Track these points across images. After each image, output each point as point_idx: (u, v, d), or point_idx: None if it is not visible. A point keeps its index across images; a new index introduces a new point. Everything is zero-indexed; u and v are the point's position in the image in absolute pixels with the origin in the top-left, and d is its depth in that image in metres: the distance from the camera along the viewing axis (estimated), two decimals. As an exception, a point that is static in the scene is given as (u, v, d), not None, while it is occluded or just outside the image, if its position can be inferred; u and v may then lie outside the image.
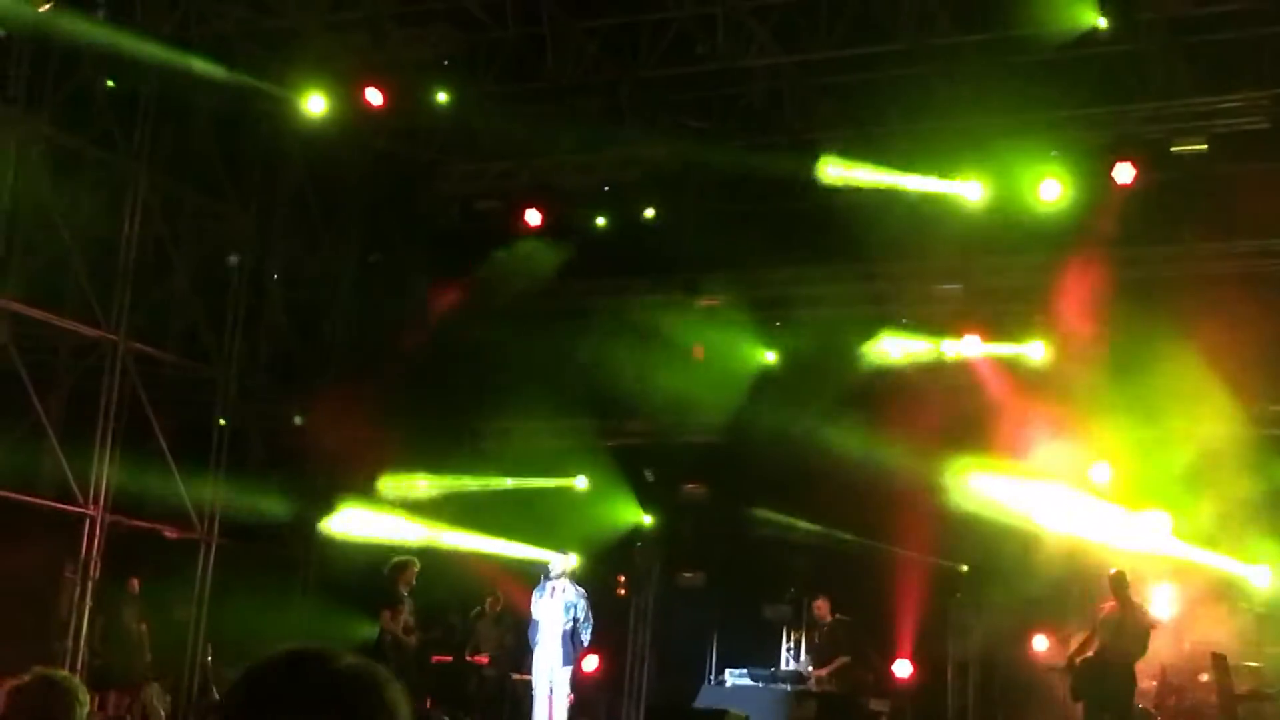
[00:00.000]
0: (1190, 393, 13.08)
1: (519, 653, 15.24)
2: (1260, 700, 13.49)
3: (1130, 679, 12.92)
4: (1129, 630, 12.96)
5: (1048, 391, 14.34)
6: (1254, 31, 12.90)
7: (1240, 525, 13.93)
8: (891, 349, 15.60)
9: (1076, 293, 14.15)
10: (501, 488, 17.03)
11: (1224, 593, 14.31)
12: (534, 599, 14.61)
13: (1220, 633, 13.92)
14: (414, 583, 13.53)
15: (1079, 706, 13.13)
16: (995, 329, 15.17)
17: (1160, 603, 13.70)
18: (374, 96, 15.06)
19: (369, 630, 13.49)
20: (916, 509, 14.66)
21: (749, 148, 14.97)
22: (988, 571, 14.83)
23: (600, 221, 16.63)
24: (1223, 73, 13.12)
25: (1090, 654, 13.10)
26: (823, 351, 15.65)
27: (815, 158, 14.57)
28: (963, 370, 15.28)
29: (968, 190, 14.62)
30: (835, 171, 14.55)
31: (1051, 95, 13.73)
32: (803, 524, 15.95)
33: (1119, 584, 13.18)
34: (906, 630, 15.58)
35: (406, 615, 13.47)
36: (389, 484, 16.72)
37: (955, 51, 13.81)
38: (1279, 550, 14.07)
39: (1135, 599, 13.21)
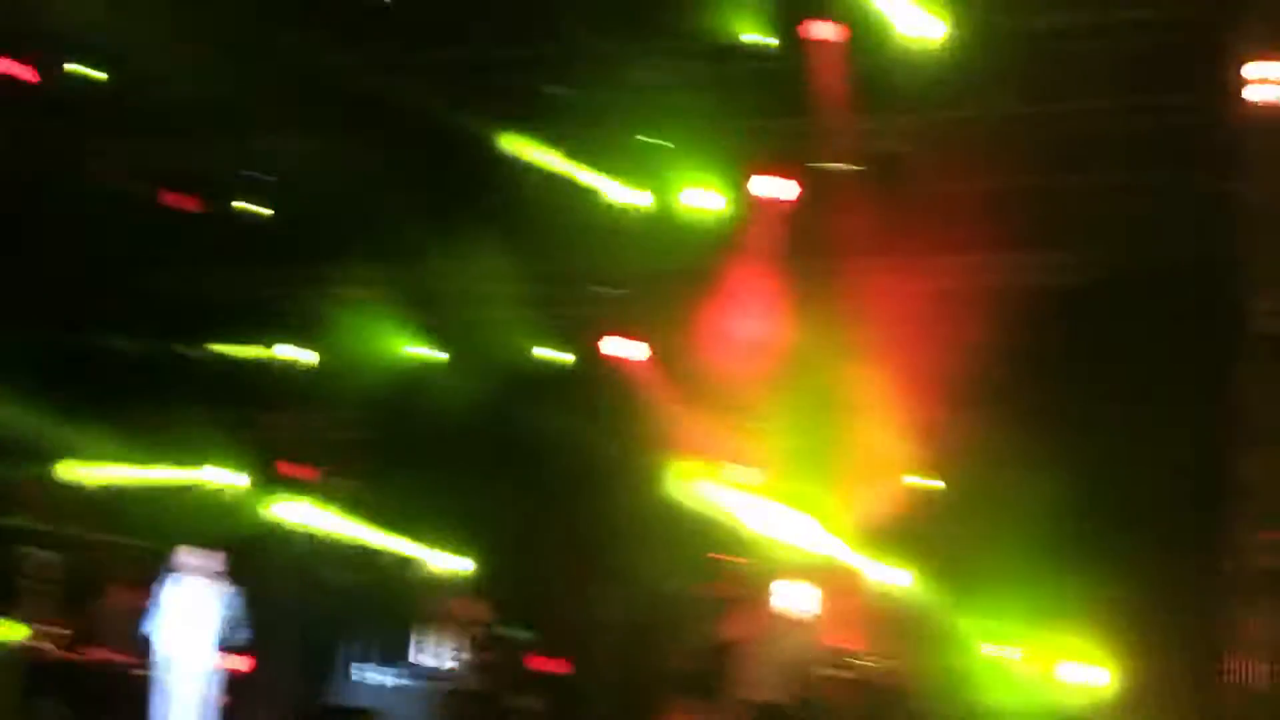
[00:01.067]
0: (852, 403, 13.78)
1: (143, 650, 14.78)
2: (893, 697, 14.24)
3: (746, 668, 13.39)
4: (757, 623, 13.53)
5: (709, 395, 14.83)
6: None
7: (889, 529, 14.71)
8: (550, 349, 15.91)
9: (736, 303, 14.66)
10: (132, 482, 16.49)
11: (866, 592, 15.04)
12: (159, 593, 14.16)
13: (860, 631, 14.64)
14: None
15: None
16: (657, 334, 15.54)
17: (806, 600, 14.20)
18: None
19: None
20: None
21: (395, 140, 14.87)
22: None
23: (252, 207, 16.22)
24: (875, 94, 13.74)
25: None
26: (476, 349, 15.76)
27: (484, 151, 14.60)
28: (621, 371, 15.67)
29: (634, 196, 14.95)
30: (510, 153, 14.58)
31: (714, 107, 14.08)
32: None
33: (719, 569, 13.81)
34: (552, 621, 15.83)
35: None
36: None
37: (619, 58, 14.06)
38: (920, 556, 14.89)
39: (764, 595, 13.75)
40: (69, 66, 14.60)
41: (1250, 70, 9.54)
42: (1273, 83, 9.43)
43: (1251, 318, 9.37)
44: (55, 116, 15.50)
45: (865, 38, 13.21)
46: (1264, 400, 9.37)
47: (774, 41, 13.49)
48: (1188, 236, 12.40)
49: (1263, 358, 9.39)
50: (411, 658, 16.04)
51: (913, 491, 15.11)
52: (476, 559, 16.27)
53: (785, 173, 14.48)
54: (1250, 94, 9.51)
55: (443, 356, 16.46)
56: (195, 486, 16.39)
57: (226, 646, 14.21)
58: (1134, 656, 13.36)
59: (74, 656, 14.47)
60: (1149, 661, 13.15)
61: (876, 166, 14.06)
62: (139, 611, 14.45)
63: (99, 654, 14.74)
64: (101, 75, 14.70)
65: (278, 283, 16.14)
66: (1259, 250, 9.52)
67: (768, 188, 14.59)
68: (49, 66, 14.49)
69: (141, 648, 14.63)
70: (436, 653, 15.77)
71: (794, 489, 14.82)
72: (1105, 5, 12.70)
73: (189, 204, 15.96)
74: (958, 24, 12.95)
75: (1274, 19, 9.44)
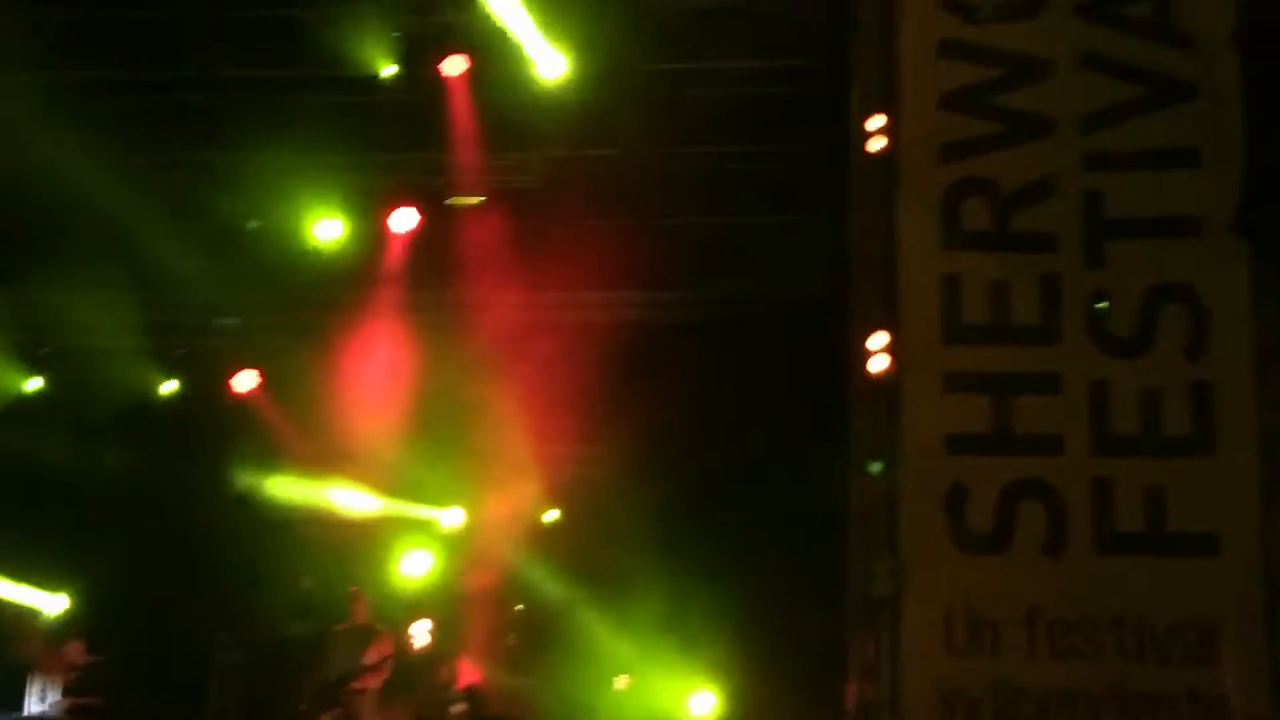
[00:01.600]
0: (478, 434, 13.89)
1: None
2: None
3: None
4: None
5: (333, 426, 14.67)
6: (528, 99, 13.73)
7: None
8: (169, 381, 15.44)
9: (362, 333, 14.55)
10: None
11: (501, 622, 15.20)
12: None
13: (493, 661, 14.79)
14: None
15: None
16: (276, 365, 15.24)
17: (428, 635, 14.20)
18: None
19: None
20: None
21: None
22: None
23: None
24: (502, 131, 13.85)
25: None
26: (91, 381, 15.11)
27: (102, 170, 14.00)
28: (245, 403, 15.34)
29: (262, 224, 14.63)
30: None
31: (338, 138, 13.91)
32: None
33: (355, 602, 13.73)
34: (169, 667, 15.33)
35: None
36: None
37: (244, 85, 13.77)
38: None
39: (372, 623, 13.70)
40: None
41: (862, 122, 10.08)
42: (881, 134, 9.97)
43: (859, 357, 9.87)
44: None
45: (497, 74, 13.31)
46: (871, 434, 9.86)
47: (405, 74, 13.44)
48: (803, 277, 12.97)
49: (868, 395, 9.88)
50: (26, 704, 15.30)
51: (538, 520, 15.41)
52: (78, 601, 15.58)
53: (414, 205, 14.46)
54: (862, 144, 10.04)
55: (43, 387, 15.70)
56: None
57: None
58: (753, 684, 13.88)
59: None
60: (766, 688, 13.69)
61: (506, 202, 14.19)
62: None
63: None
64: None
65: None
66: (866, 293, 10.03)
67: (396, 220, 14.55)
68: None
69: None
70: (44, 698, 15.06)
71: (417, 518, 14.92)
72: (726, 53, 13.18)
73: None
74: (586, 64, 13.21)
75: (886, 75, 10.01)
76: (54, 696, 14.88)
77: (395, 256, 14.61)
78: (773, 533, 13.58)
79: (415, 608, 14.53)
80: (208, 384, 15.53)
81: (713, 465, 14.41)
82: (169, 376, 15.70)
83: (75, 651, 14.82)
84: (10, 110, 13.23)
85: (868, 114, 9.97)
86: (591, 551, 14.93)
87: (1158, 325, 9.25)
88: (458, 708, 14.52)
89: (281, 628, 14.67)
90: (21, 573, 15.51)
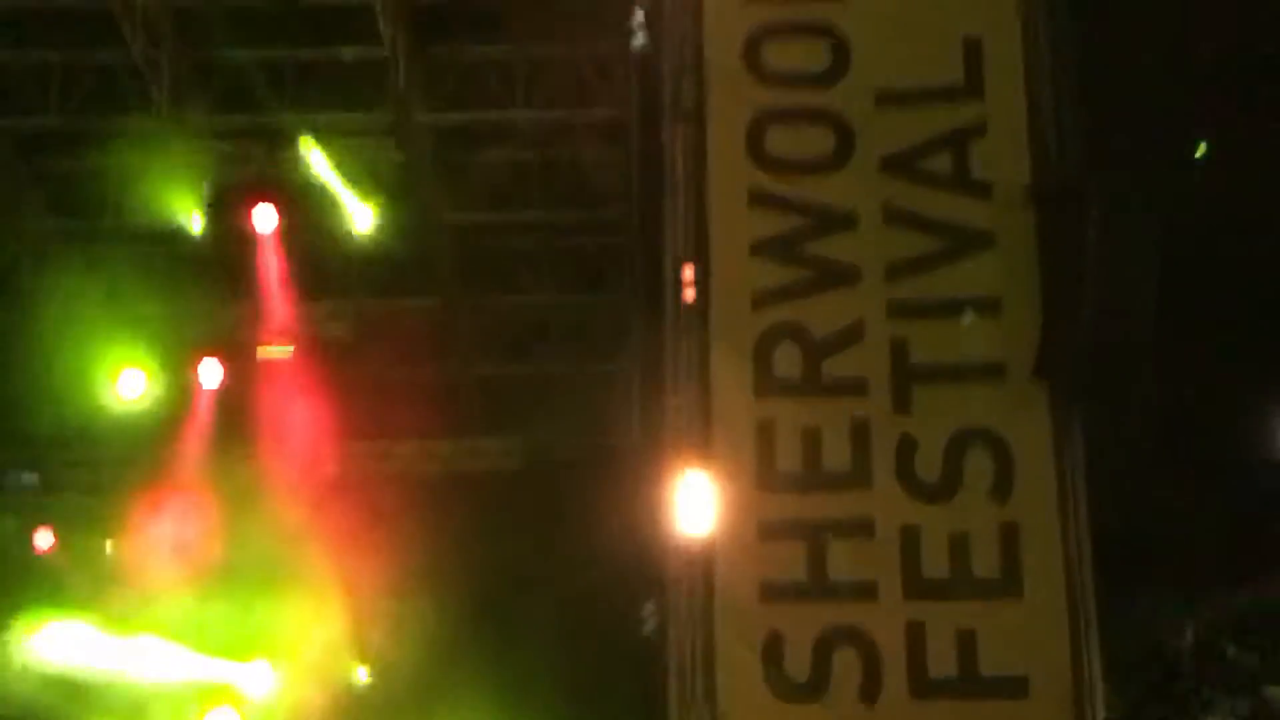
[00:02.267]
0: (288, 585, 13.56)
1: None
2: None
3: None
4: None
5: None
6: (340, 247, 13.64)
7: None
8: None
9: (166, 489, 14.17)
10: None
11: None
12: None
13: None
14: None
15: None
16: (72, 524, 14.77)
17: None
18: None
19: None
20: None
21: None
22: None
23: None
24: (313, 280, 13.71)
25: None
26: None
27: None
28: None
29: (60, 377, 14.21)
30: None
31: (143, 289, 13.65)
32: None
33: None
34: None
35: None
36: None
37: (46, 236, 13.50)
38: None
39: None
40: None
41: (674, 271, 10.18)
42: (692, 284, 10.07)
43: (674, 505, 9.86)
44: None
45: (307, 225, 13.23)
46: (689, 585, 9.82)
47: (215, 225, 13.28)
48: (619, 424, 13.01)
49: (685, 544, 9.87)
50: None
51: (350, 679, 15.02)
52: None
53: (221, 358, 14.17)
54: (675, 293, 10.13)
55: None
56: None
57: None
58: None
59: None
60: None
61: (318, 351, 14.00)
62: None
63: None
64: None
65: None
66: (681, 441, 10.06)
67: (204, 373, 14.23)
68: None
69: None
70: None
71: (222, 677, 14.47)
72: (538, 205, 13.29)
73: None
74: (397, 215, 13.21)
75: (697, 224, 10.12)
76: None
77: (202, 410, 14.29)
78: (596, 684, 13.39)
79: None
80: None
81: (536, 613, 14.20)
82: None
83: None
84: None
85: (679, 264, 10.05)
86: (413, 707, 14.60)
87: (964, 469, 9.36)
88: None
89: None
90: None
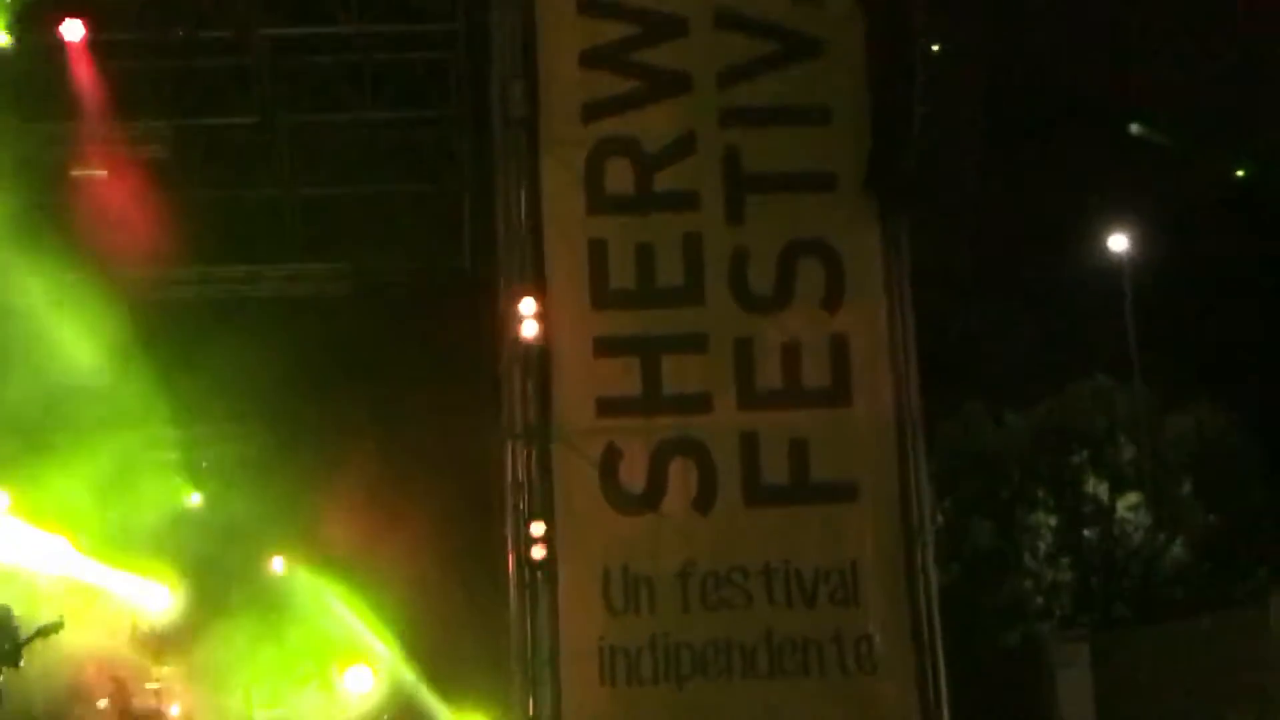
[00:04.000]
0: (106, 408, 13.20)
1: None
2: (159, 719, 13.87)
3: None
4: None
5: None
6: (155, 64, 13.12)
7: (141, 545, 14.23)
8: None
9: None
10: None
11: (123, 612, 14.53)
12: None
13: (127, 654, 14.13)
14: None
15: None
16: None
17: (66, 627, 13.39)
18: None
19: None
20: None
21: None
22: None
23: None
24: (127, 100, 13.18)
25: None
26: None
27: None
28: None
29: None
30: None
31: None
32: None
33: None
34: None
35: None
36: None
37: None
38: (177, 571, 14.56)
39: None
40: None
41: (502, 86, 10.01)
42: (522, 100, 9.90)
43: (508, 325, 9.80)
44: None
45: (119, 40, 12.67)
46: (525, 401, 9.81)
47: (22, 41, 12.65)
48: (449, 247, 12.84)
49: (518, 362, 9.84)
50: None
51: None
52: None
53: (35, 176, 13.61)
54: (504, 110, 9.97)
55: None
56: None
57: None
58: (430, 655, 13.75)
59: None
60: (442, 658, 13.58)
61: (136, 172, 13.52)
62: None
63: None
64: None
65: None
66: (513, 261, 9.97)
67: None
68: None
69: None
70: None
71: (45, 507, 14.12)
72: (360, 18, 12.88)
73: None
74: (213, 28, 12.75)
75: (526, 36, 9.92)
76: None
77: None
78: (432, 503, 13.43)
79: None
80: None
81: (368, 440, 14.15)
82: None
83: None
84: None
85: (507, 78, 9.86)
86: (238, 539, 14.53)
87: (796, 281, 9.46)
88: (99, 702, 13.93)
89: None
90: None
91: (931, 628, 9.18)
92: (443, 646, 14.05)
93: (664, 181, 9.58)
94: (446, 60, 12.68)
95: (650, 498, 9.35)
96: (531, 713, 9.14)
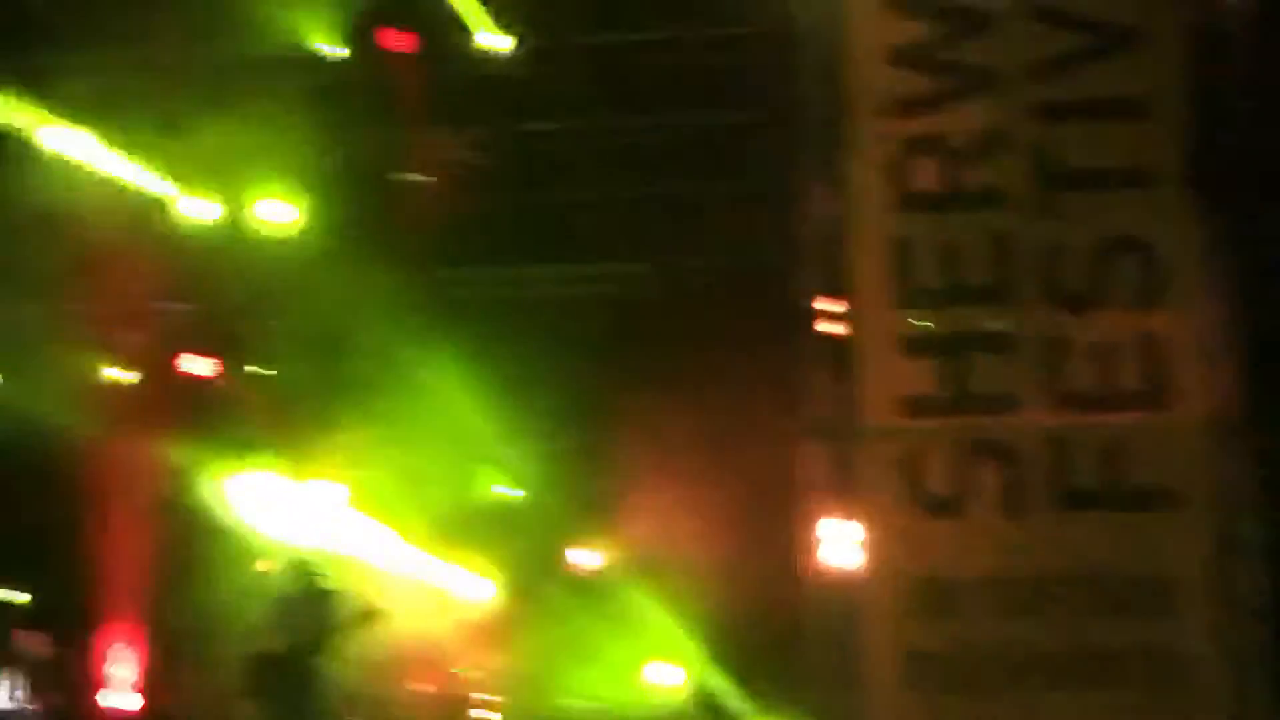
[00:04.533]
0: (436, 409, 13.76)
1: None
2: (487, 709, 14.29)
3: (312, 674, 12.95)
4: (321, 621, 13.02)
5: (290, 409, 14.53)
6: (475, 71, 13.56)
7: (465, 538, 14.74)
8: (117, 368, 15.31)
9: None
10: None
11: (449, 603, 15.07)
12: None
13: (445, 641, 14.64)
14: None
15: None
16: (230, 350, 15.12)
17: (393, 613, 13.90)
18: None
19: None
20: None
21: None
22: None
23: None
24: (448, 109, 13.69)
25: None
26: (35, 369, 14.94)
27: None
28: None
29: (197, 207, 14.46)
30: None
31: (287, 119, 13.73)
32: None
33: (303, 571, 13.26)
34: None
35: None
36: None
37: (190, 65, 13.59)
38: (498, 564, 15.02)
39: (324, 587, 13.29)
40: None
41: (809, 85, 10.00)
42: (829, 95, 9.87)
43: (813, 323, 9.81)
44: None
45: (440, 48, 13.17)
46: (826, 400, 9.80)
47: (347, 51, 13.29)
48: (754, 245, 12.91)
49: (823, 359, 9.84)
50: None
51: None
52: (41, 594, 15.48)
53: (359, 184, 14.29)
54: (810, 109, 9.97)
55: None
56: None
57: None
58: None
59: None
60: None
61: (454, 178, 14.04)
62: None
63: None
64: None
65: None
66: (816, 260, 9.98)
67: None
68: None
69: None
70: (12, 694, 14.93)
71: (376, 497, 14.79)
72: (670, 23, 13.08)
73: None
74: (532, 36, 13.11)
75: (833, 34, 9.91)
76: (20, 692, 14.72)
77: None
78: (737, 502, 13.53)
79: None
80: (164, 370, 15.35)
81: (674, 437, 14.33)
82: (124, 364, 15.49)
83: (39, 644, 14.68)
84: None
85: (812, 78, 9.85)
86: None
87: (1109, 279, 9.15)
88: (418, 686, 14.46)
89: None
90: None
91: (1252, 645, 8.77)
92: (747, 647, 14.13)
93: (972, 179, 9.39)
94: (750, 62, 12.76)
95: (956, 501, 9.17)
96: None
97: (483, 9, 13.00)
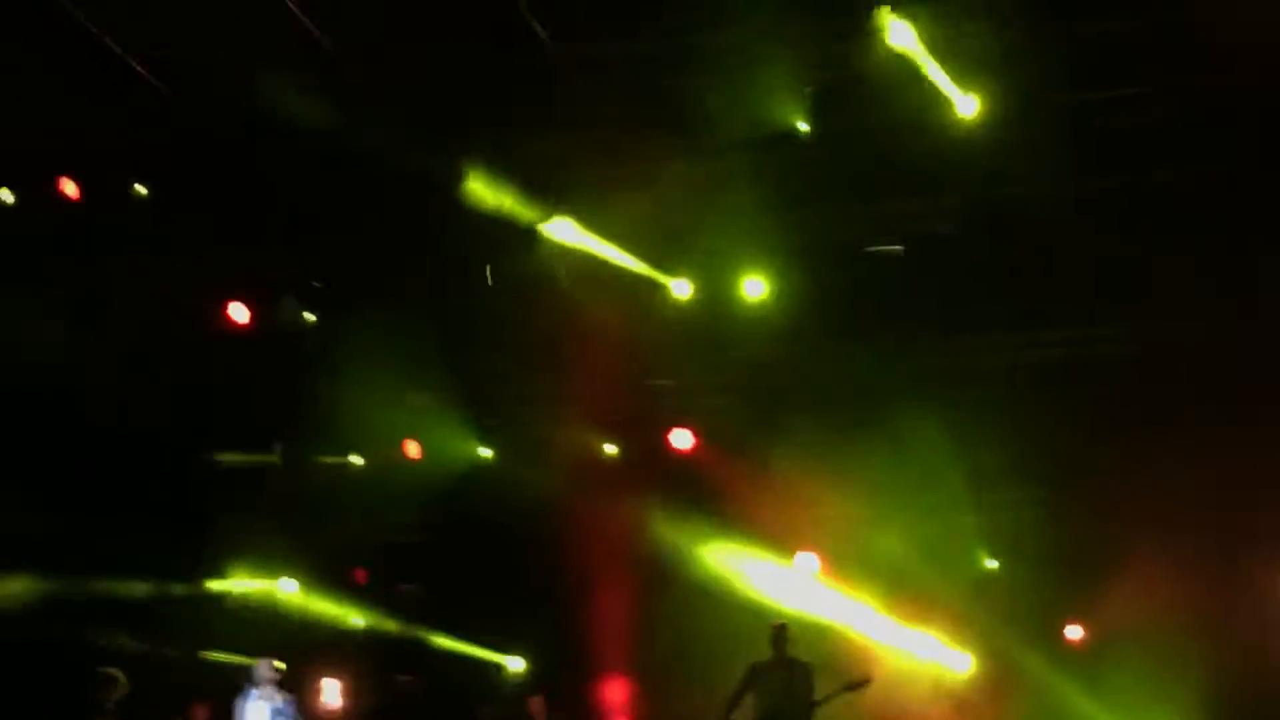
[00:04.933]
0: (909, 479, 13.74)
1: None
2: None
3: None
4: (796, 690, 12.91)
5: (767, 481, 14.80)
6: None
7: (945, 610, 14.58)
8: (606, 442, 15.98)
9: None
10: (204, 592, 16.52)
11: (925, 675, 14.89)
12: (237, 708, 14.19)
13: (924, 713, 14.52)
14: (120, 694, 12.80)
15: None
16: (708, 424, 15.52)
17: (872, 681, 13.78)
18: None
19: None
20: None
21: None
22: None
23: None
24: (911, 179, 13.70)
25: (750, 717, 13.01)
26: (531, 447, 15.74)
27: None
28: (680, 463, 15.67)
29: (676, 286, 14.93)
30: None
31: (754, 194, 14.02)
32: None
33: (780, 639, 13.11)
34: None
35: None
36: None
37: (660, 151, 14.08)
38: (978, 636, 14.75)
39: (797, 656, 13.20)
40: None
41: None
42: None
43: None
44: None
45: (900, 119, 13.17)
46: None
47: (806, 128, 13.48)
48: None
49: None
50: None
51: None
52: (534, 660, 16.29)
53: (830, 257, 14.43)
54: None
55: (489, 455, 16.37)
56: (261, 596, 16.26)
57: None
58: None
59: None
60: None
61: (923, 247, 14.02)
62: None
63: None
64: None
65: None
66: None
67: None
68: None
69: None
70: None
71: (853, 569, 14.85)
72: (1140, 77, 12.65)
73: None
74: (997, 101, 12.94)
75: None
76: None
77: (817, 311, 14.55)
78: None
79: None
80: (652, 444, 15.86)
81: (1158, 505, 13.76)
82: (612, 439, 16.08)
83: (535, 706, 15.28)
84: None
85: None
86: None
87: None
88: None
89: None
90: (483, 633, 16.35)
91: None
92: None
93: None
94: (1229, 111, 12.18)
95: None
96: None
97: (943, 73, 12.89)
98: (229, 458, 16.34)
